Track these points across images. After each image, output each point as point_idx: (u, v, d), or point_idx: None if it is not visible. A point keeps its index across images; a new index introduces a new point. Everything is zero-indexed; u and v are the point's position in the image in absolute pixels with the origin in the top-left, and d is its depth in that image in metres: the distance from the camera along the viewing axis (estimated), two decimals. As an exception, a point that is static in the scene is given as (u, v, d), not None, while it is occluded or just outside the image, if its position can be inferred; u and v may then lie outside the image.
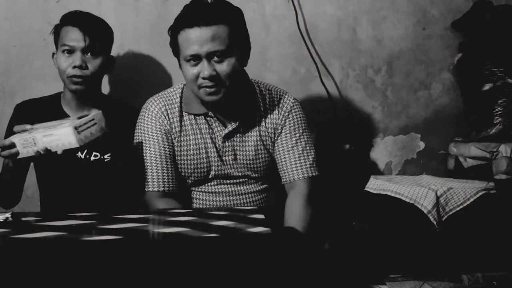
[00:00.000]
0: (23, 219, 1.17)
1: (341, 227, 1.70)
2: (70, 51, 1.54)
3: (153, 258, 0.92)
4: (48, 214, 1.45)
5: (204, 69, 1.40)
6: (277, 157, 1.59)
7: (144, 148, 1.54)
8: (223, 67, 1.41)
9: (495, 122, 1.97)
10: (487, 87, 2.00)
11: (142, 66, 2.00)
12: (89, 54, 1.55)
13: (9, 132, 1.60)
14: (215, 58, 1.40)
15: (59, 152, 1.31)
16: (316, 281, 1.40)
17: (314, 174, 1.57)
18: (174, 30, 1.45)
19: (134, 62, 1.98)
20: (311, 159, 1.57)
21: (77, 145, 1.28)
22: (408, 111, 2.17)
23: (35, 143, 1.31)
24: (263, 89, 1.61)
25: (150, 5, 2.00)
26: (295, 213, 1.49)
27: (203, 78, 1.40)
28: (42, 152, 1.31)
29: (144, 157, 1.53)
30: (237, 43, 1.44)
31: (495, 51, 2.01)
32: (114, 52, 1.74)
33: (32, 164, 1.67)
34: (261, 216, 1.12)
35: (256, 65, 2.00)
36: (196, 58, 1.41)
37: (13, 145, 1.33)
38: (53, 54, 1.64)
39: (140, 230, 1.02)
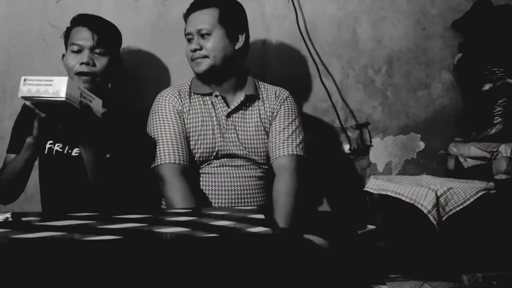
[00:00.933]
0: (23, 219, 1.16)
1: (341, 227, 1.70)
2: (79, 50, 1.58)
3: (153, 258, 0.92)
4: (48, 214, 1.45)
5: (192, 44, 1.66)
6: (269, 139, 1.70)
7: (159, 127, 1.64)
8: (207, 42, 1.64)
9: (495, 122, 1.97)
10: (487, 87, 2.00)
11: (141, 66, 2.00)
12: (97, 52, 1.58)
13: (17, 129, 1.63)
14: (204, 36, 1.64)
15: (44, 95, 1.23)
16: (316, 281, 1.40)
17: (299, 153, 1.66)
18: (184, 18, 1.71)
19: (134, 61, 1.98)
20: (298, 141, 1.69)
21: (63, 96, 1.21)
22: (408, 111, 2.17)
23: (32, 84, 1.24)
24: (261, 84, 1.77)
25: (150, 5, 2.00)
26: (279, 188, 1.58)
27: (191, 51, 1.65)
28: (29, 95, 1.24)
29: (160, 135, 1.63)
30: (227, 23, 1.64)
31: (495, 51, 2.01)
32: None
33: (34, 164, 1.66)
34: (261, 216, 1.12)
35: (256, 65, 2.01)
36: (190, 37, 1.66)
37: None
38: (63, 55, 1.65)
39: (140, 230, 1.02)
